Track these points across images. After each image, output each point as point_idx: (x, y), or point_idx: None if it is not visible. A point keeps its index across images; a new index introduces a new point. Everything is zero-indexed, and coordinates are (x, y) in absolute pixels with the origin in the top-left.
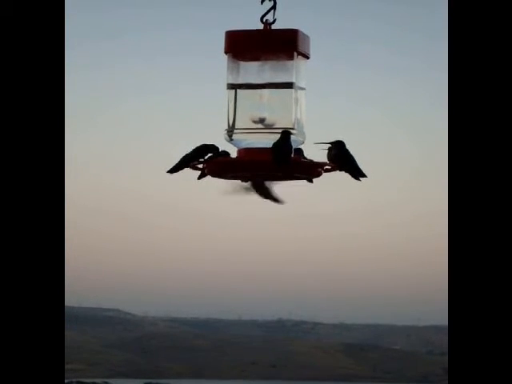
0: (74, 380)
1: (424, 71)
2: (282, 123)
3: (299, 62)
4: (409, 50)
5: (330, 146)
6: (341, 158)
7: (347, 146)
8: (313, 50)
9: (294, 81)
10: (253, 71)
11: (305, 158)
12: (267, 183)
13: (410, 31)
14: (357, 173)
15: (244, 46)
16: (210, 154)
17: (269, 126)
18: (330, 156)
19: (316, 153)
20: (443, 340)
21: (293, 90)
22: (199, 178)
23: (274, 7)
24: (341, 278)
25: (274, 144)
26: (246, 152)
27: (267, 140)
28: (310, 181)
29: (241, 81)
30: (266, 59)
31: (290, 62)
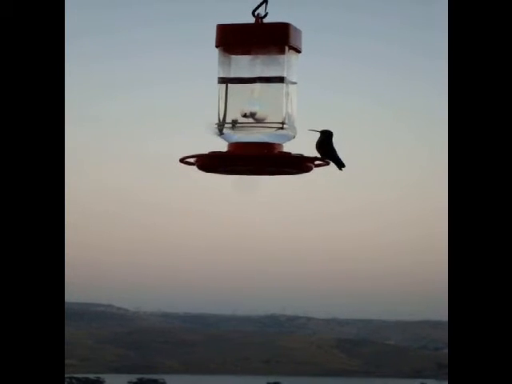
0: (66, 376)
1: (424, 69)
2: (273, 118)
3: (291, 56)
4: (406, 43)
5: (319, 132)
6: (323, 146)
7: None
8: (304, 44)
9: (285, 75)
10: (244, 65)
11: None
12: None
13: (409, 24)
14: (336, 162)
15: (235, 39)
16: None
17: (259, 121)
18: (316, 144)
19: (309, 150)
20: (437, 335)
21: (284, 84)
22: None
23: (265, 1)
24: (334, 273)
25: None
26: (236, 146)
27: (258, 134)
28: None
29: (232, 75)
30: (258, 53)
31: (281, 57)
